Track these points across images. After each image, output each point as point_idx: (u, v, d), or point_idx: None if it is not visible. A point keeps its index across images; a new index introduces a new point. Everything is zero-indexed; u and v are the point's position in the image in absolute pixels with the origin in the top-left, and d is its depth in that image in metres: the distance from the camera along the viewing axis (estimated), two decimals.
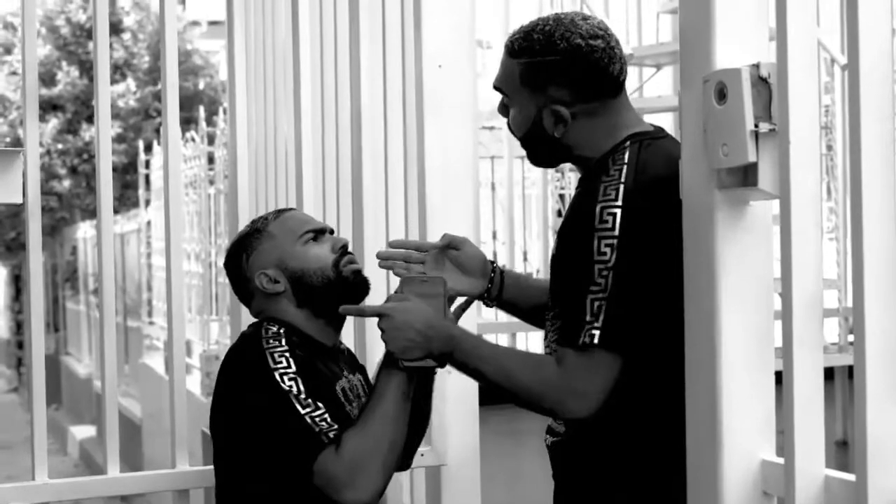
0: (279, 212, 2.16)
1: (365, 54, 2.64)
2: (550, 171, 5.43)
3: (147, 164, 9.55)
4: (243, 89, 3.29)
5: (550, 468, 1.96)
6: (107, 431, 2.46)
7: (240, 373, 1.96)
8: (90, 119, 14.99)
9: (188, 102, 13.92)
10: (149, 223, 9.41)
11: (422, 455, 2.47)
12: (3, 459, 10.03)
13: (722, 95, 1.47)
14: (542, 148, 1.93)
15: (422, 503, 2.67)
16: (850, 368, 4.54)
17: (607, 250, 1.72)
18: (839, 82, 4.66)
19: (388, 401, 1.86)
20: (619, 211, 1.73)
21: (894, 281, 1.33)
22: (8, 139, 15.18)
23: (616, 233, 1.72)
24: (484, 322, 4.32)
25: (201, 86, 16.02)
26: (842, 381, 4.73)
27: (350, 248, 2.15)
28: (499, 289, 2.09)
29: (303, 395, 1.87)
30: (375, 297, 2.29)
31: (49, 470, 2.39)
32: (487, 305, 2.13)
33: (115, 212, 9.10)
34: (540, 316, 2.00)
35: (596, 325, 1.72)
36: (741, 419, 1.51)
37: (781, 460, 1.44)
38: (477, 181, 4.97)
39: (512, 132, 1.96)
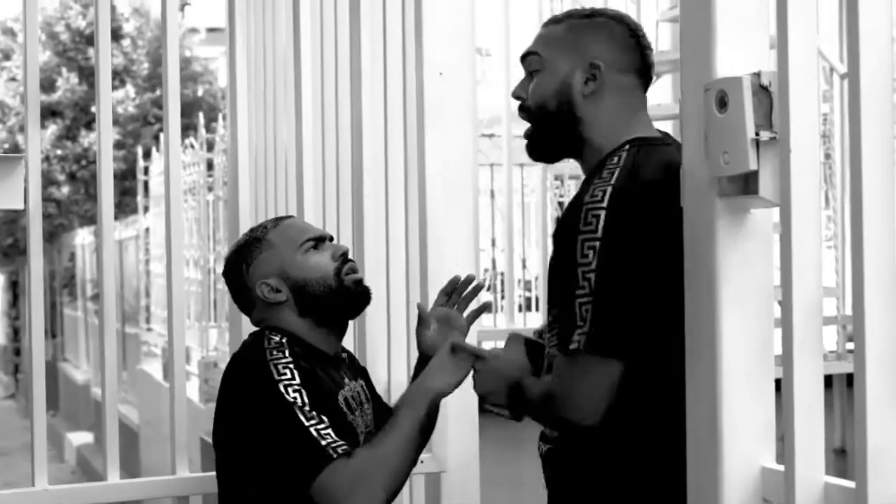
0: (278, 220, 2.16)
1: (366, 62, 2.65)
2: (549, 178, 5.43)
3: (146, 171, 9.54)
4: (244, 96, 3.30)
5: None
6: (107, 438, 2.46)
7: (243, 384, 1.96)
8: (89, 125, 14.97)
9: (187, 109, 13.89)
10: (147, 230, 9.40)
11: (422, 462, 2.47)
12: (0, 465, 10.00)
13: (723, 104, 1.47)
14: (554, 124, 1.88)
15: None
16: (849, 376, 4.54)
17: (590, 253, 1.69)
18: (838, 91, 4.67)
19: (404, 432, 1.90)
20: (603, 213, 1.70)
21: (894, 289, 1.33)
22: (6, 145, 15.15)
23: (598, 235, 1.69)
24: (484, 329, 4.32)
25: (200, 92, 16.02)
26: (840, 389, 4.70)
27: (350, 256, 2.15)
28: None
29: (307, 408, 1.87)
30: (375, 306, 2.30)
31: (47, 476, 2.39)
32: None
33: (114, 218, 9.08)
34: None
35: (583, 329, 1.70)
36: (741, 426, 1.50)
37: (781, 467, 1.44)
38: (476, 188, 4.96)
39: (526, 112, 1.91)
